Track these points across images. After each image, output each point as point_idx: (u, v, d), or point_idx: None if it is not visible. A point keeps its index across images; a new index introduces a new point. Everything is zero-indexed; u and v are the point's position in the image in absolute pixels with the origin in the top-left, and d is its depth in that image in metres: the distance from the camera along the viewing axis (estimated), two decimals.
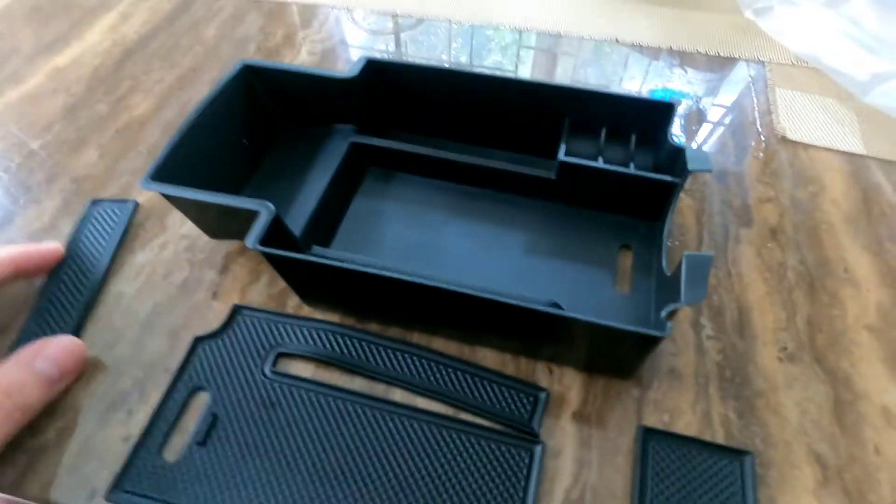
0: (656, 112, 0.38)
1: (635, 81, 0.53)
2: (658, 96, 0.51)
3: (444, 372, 0.34)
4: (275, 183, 0.43)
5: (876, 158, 0.46)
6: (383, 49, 0.57)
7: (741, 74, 0.53)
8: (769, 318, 0.36)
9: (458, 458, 0.31)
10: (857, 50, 0.52)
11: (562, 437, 0.32)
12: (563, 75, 0.55)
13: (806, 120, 0.49)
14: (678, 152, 0.36)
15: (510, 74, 0.54)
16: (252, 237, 0.30)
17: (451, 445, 0.31)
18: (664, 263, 0.35)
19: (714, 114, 0.50)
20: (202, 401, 0.33)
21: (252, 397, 0.33)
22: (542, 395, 0.33)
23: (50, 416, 0.32)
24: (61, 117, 0.50)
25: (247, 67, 0.41)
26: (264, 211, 0.32)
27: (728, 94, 0.51)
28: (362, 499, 0.30)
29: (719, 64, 0.54)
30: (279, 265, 0.34)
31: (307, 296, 0.37)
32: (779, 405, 0.33)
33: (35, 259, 0.37)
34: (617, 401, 0.33)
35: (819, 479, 0.30)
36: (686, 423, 0.32)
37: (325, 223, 0.40)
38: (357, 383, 0.34)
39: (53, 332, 0.35)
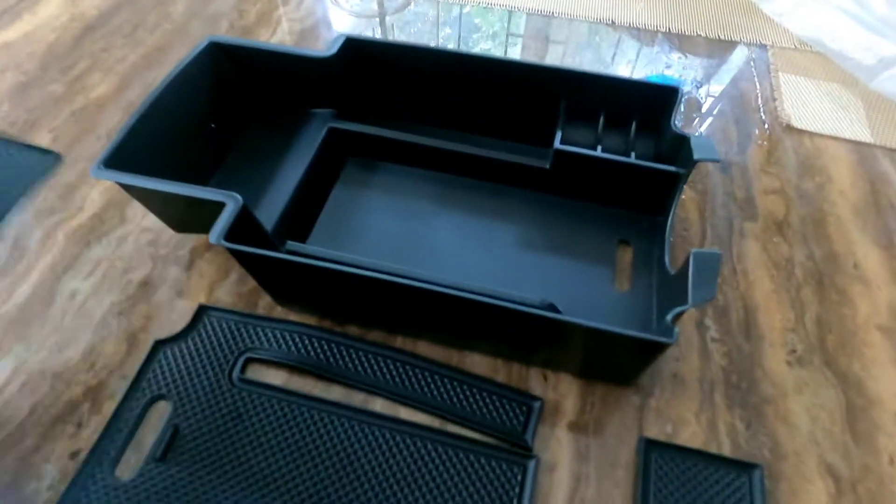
0: (658, 97, 0.35)
1: (630, 66, 0.51)
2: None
3: (429, 379, 0.31)
4: (245, 172, 0.40)
5: (883, 147, 0.44)
6: (368, 36, 0.53)
7: (742, 58, 0.51)
8: (776, 318, 0.34)
9: (445, 474, 0.28)
10: (864, 33, 0.49)
11: (557, 450, 0.29)
12: (554, 61, 0.52)
13: (811, 107, 0.46)
14: (682, 141, 0.33)
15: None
16: (216, 232, 0.27)
17: (437, 460, 0.28)
18: (667, 260, 0.32)
19: (715, 100, 0.47)
20: (162, 411, 0.30)
21: (218, 407, 0.30)
22: (536, 405, 0.30)
23: None
24: (9, 97, 0.45)
25: (214, 44, 0.38)
26: (231, 202, 0.28)
27: (729, 80, 0.49)
28: None
29: (720, 47, 0.52)
30: (248, 263, 0.30)
31: (280, 296, 0.34)
32: (788, 412, 0.31)
33: None
34: (616, 409, 0.30)
35: (832, 492, 0.28)
36: (691, 434, 0.30)
37: (301, 216, 0.37)
38: (334, 392, 0.31)
39: None
